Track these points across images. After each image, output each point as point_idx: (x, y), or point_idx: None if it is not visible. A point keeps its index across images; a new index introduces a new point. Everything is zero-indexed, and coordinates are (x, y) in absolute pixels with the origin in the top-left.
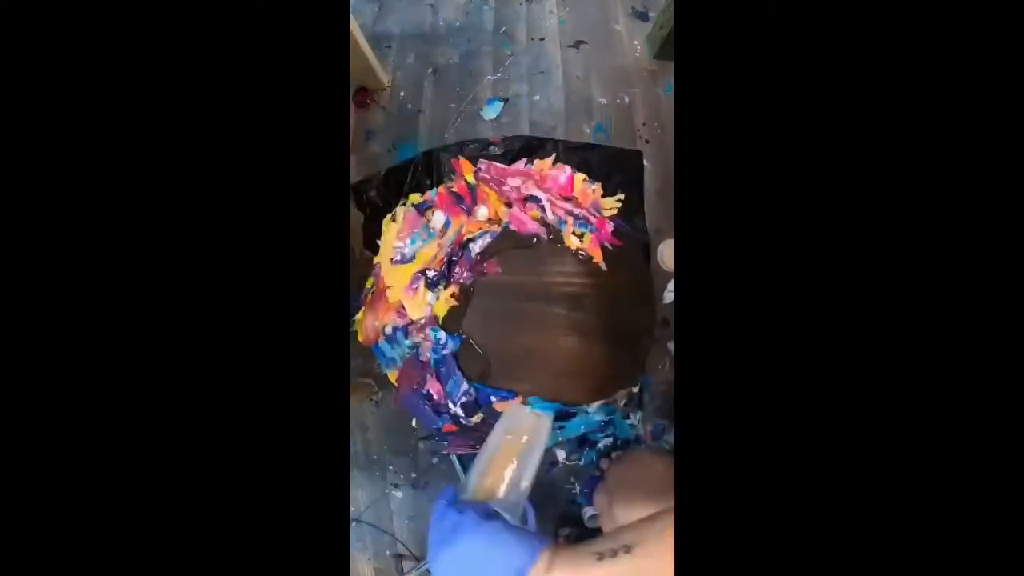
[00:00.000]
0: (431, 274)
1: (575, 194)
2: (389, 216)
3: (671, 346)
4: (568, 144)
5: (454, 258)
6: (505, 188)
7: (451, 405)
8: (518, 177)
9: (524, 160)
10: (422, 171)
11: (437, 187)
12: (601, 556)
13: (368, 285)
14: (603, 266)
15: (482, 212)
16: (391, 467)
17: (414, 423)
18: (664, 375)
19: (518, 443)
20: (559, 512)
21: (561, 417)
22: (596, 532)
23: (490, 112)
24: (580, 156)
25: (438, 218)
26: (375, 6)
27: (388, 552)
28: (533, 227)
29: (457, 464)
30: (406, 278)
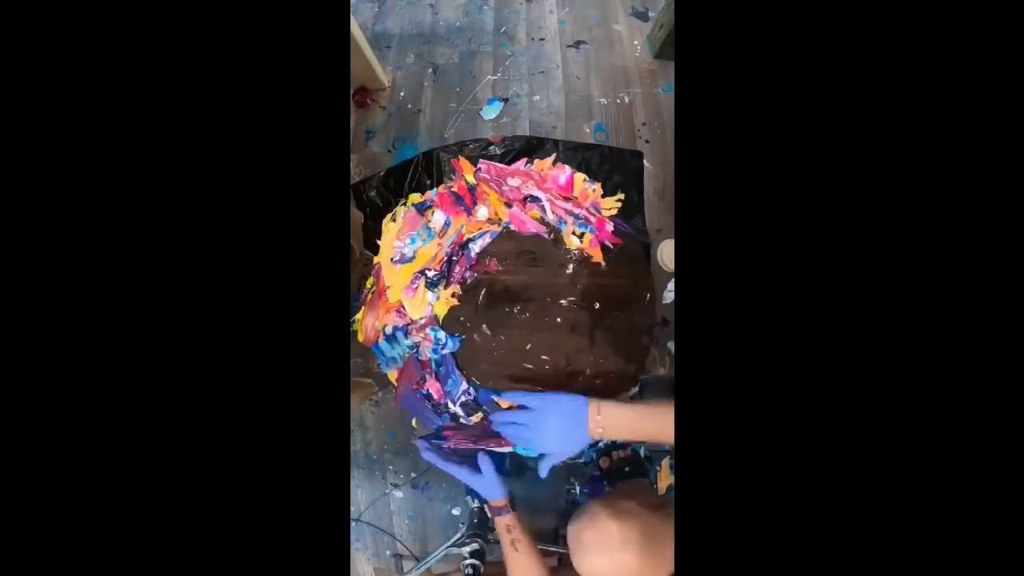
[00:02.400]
0: (431, 274)
1: (575, 194)
2: (389, 216)
3: (671, 346)
4: (568, 144)
5: (454, 258)
6: (505, 188)
7: (451, 405)
8: (518, 177)
9: (524, 160)
10: (422, 171)
11: (437, 187)
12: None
13: (368, 285)
14: (603, 266)
15: (482, 212)
16: (391, 467)
17: (414, 423)
18: (664, 375)
19: None
20: (560, 511)
21: None
22: None
23: (490, 112)
24: (580, 156)
25: (438, 218)
26: (375, 6)
27: (388, 552)
28: (533, 227)
29: None
30: (406, 278)
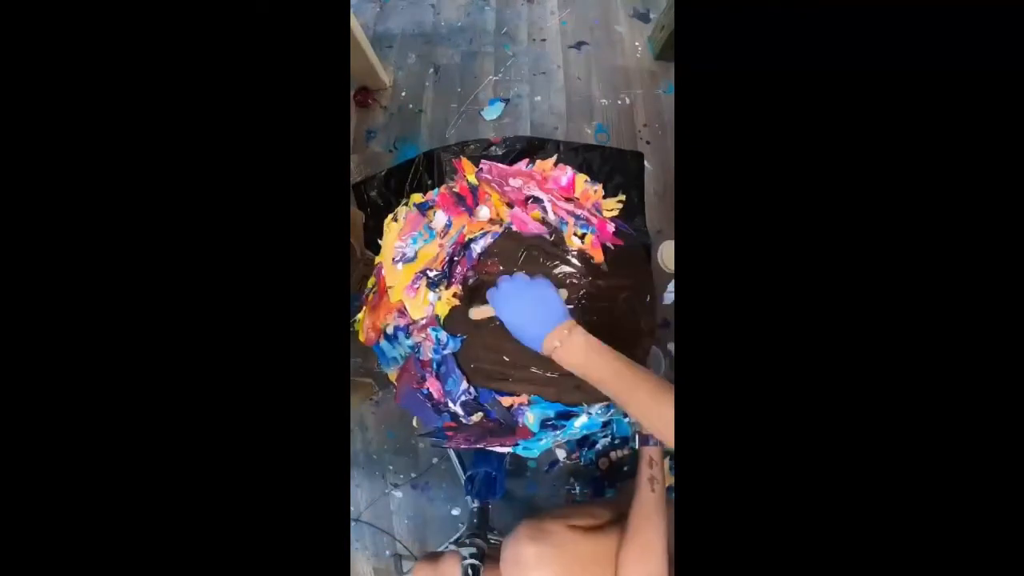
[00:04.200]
0: (432, 274)
1: (576, 195)
2: (390, 216)
3: (671, 346)
4: (569, 145)
5: (455, 258)
6: (507, 188)
7: (451, 404)
8: (520, 178)
9: (525, 161)
10: (423, 171)
11: (438, 187)
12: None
13: (369, 285)
14: (604, 267)
15: (484, 212)
16: (391, 467)
17: (414, 423)
18: (664, 375)
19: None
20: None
21: (561, 417)
22: None
23: (491, 112)
24: (581, 157)
25: (439, 218)
26: (376, 6)
27: (388, 552)
28: (535, 227)
29: (456, 463)
30: (407, 278)
